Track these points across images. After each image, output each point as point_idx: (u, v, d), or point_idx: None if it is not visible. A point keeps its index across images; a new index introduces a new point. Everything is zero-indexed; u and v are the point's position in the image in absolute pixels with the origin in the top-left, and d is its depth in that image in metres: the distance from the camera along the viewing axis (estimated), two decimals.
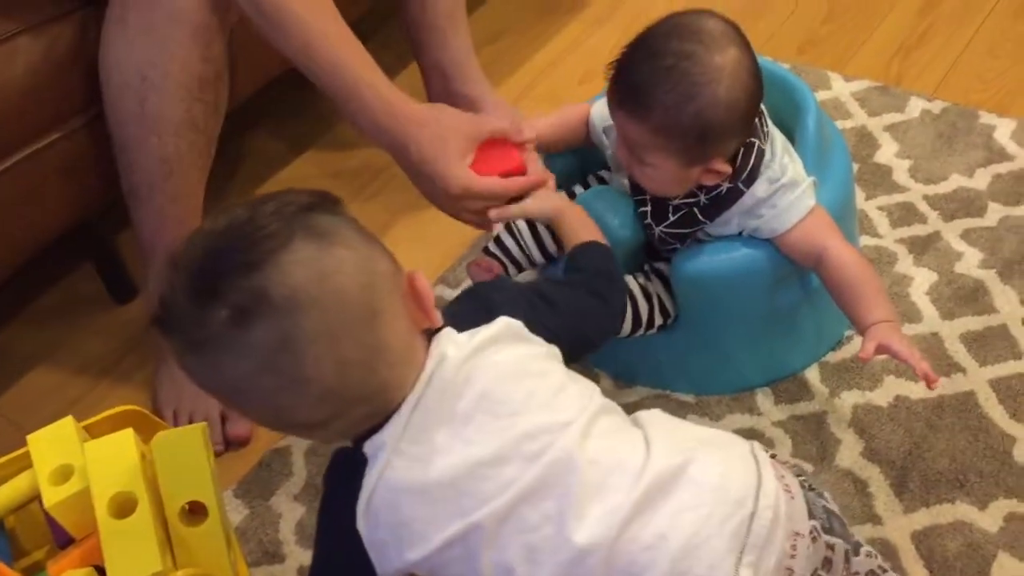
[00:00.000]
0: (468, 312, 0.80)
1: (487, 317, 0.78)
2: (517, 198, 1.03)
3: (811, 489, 0.81)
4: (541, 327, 0.81)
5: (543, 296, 0.87)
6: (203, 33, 1.06)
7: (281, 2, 1.01)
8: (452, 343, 0.75)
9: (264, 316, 0.66)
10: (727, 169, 1.00)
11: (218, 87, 1.12)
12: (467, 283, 1.33)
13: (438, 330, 0.77)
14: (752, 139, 1.01)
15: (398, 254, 1.44)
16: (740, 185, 1.03)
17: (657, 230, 1.09)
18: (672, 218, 1.07)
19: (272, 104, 1.63)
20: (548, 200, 1.03)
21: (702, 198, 1.04)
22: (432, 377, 0.73)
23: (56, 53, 1.11)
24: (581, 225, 1.00)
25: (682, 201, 1.05)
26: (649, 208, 1.08)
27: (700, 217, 1.05)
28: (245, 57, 1.21)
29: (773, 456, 0.82)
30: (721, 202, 1.04)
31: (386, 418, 0.73)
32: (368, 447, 0.74)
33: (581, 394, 0.78)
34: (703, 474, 0.75)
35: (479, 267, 1.13)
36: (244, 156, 1.62)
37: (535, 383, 0.76)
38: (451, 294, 1.34)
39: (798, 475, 0.81)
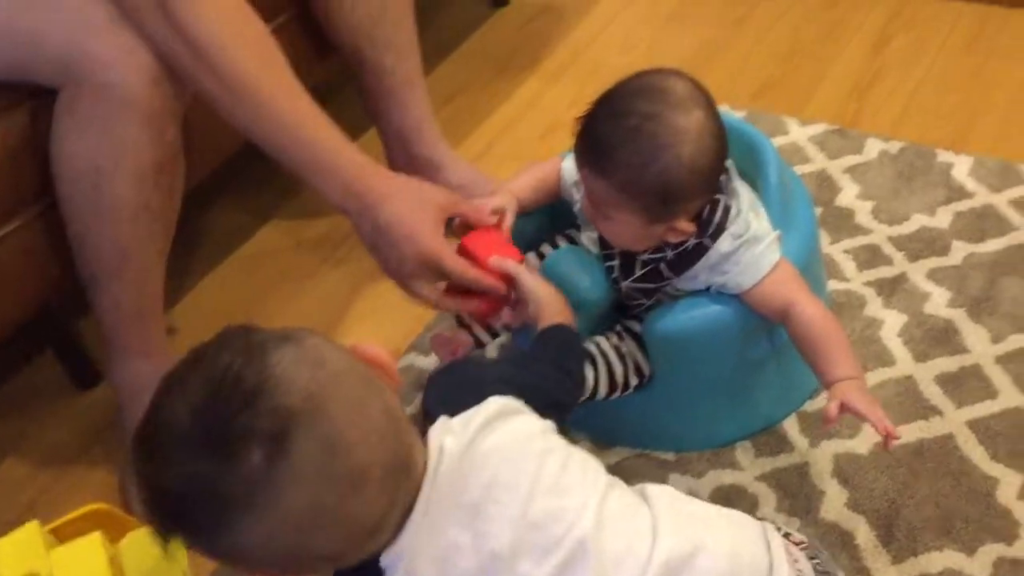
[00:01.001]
0: (455, 394, 0.77)
1: (476, 396, 0.77)
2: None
3: (825, 573, 0.79)
4: (522, 392, 0.80)
5: (513, 362, 0.87)
6: (156, 119, 1.05)
7: (252, 84, 1.00)
8: (449, 433, 0.73)
9: (298, 429, 0.62)
10: (691, 228, 1.00)
11: (173, 171, 1.11)
12: None
13: (429, 420, 0.74)
14: (718, 196, 1.01)
15: (366, 322, 1.44)
16: (706, 241, 1.02)
17: (624, 285, 1.08)
18: (639, 272, 1.06)
19: (231, 177, 1.62)
20: (540, 286, 1.01)
21: (669, 253, 1.04)
22: (436, 473, 0.71)
23: (8, 144, 1.09)
24: (558, 314, 0.98)
25: (650, 256, 1.05)
26: (617, 262, 1.08)
27: (667, 272, 1.05)
28: (201, 137, 1.20)
29: (787, 536, 0.80)
30: (688, 258, 1.04)
31: (415, 493, 0.70)
32: (385, 559, 0.70)
33: (585, 470, 0.76)
34: (711, 564, 0.73)
35: (442, 344, 1.11)
36: (206, 231, 1.60)
37: (539, 463, 0.73)
38: (423, 361, 1.32)
39: (812, 557, 0.79)
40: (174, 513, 0.64)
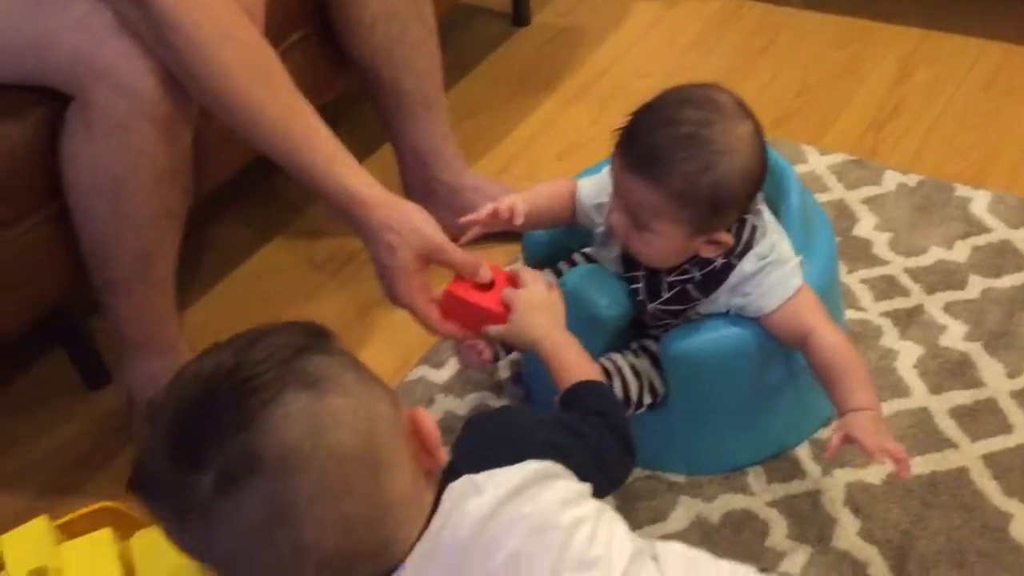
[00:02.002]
0: (491, 449, 0.74)
1: (514, 455, 0.73)
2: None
3: None
4: (569, 461, 0.76)
5: (568, 426, 0.82)
6: (169, 125, 1.04)
7: (240, 99, 0.99)
8: (475, 494, 0.69)
9: (255, 482, 0.60)
10: (730, 241, 1.00)
11: (187, 173, 1.11)
12: (452, 361, 1.31)
13: (450, 470, 0.72)
14: (745, 215, 1.01)
15: (375, 338, 1.43)
16: (733, 260, 1.02)
17: (651, 307, 1.07)
18: (666, 295, 1.06)
19: (238, 192, 1.61)
20: (524, 330, 0.97)
21: (696, 274, 1.03)
22: (454, 534, 0.68)
23: (22, 146, 1.07)
24: (566, 354, 0.95)
25: (676, 278, 1.04)
26: (642, 285, 1.07)
27: (694, 293, 1.04)
28: (208, 151, 1.19)
29: None
30: (716, 277, 1.03)
31: (391, 570, 0.67)
32: None
33: (611, 541, 0.73)
34: None
35: (471, 349, 1.10)
36: (209, 246, 1.59)
37: (567, 536, 0.70)
38: (436, 374, 1.32)
39: None
40: (142, 490, 0.64)
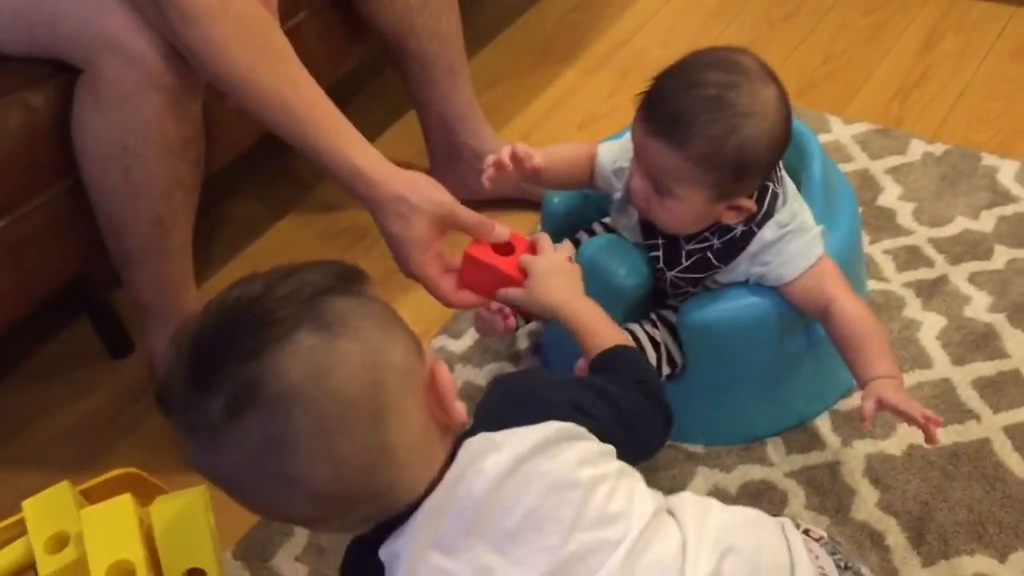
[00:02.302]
0: (512, 407, 0.74)
1: (536, 414, 0.73)
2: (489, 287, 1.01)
3: (847, 568, 0.78)
4: (593, 422, 0.76)
5: (596, 388, 0.81)
6: (176, 95, 1.03)
7: (244, 78, 0.98)
8: (494, 451, 0.69)
9: (256, 410, 0.62)
10: (752, 206, 0.98)
11: (199, 144, 1.10)
12: (471, 331, 1.31)
13: (472, 432, 0.72)
14: (767, 182, 1.00)
15: (396, 309, 1.43)
16: (753, 227, 1.01)
17: (669, 275, 1.07)
18: (685, 263, 1.05)
19: (251, 168, 1.60)
20: (543, 295, 0.95)
21: (715, 242, 1.02)
22: (469, 489, 0.68)
23: (34, 119, 1.07)
24: (591, 319, 0.93)
25: (695, 246, 1.04)
26: (661, 253, 1.06)
27: (714, 261, 1.04)
28: (227, 121, 1.19)
29: (806, 532, 0.79)
30: (735, 245, 1.02)
31: (397, 518, 0.68)
32: (384, 553, 0.69)
33: (631, 499, 0.73)
34: (735, 567, 0.72)
35: (497, 314, 1.09)
36: (224, 222, 1.59)
37: (586, 495, 0.70)
38: (454, 344, 1.32)
39: (832, 553, 0.78)
40: (163, 405, 0.66)
